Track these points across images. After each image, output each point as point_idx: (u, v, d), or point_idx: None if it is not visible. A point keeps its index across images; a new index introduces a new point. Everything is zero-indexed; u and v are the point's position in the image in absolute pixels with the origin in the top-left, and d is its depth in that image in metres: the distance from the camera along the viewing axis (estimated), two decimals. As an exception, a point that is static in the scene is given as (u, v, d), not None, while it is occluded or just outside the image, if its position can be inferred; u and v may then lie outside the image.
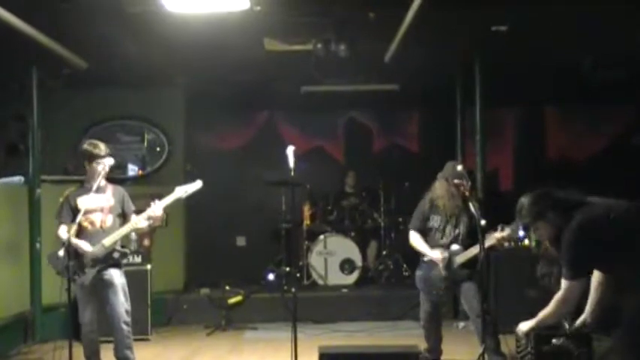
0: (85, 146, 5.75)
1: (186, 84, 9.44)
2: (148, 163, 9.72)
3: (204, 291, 8.90)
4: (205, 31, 6.95)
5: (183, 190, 5.72)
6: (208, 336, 7.92)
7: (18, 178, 7.84)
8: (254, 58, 8.09)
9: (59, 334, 6.89)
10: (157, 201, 5.68)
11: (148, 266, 7.66)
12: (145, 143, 9.70)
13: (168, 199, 5.71)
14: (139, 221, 5.69)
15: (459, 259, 5.90)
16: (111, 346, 5.78)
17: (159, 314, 8.14)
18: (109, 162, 5.73)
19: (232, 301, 8.51)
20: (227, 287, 8.70)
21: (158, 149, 9.73)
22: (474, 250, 5.72)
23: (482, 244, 5.43)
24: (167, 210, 5.79)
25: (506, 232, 5.72)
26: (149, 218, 5.66)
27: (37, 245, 7.72)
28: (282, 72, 8.81)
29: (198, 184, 5.76)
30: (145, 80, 8.95)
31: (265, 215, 9.80)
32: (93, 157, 5.67)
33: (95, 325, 5.75)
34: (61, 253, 5.44)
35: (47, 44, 6.97)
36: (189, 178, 6.00)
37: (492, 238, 5.70)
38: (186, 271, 9.55)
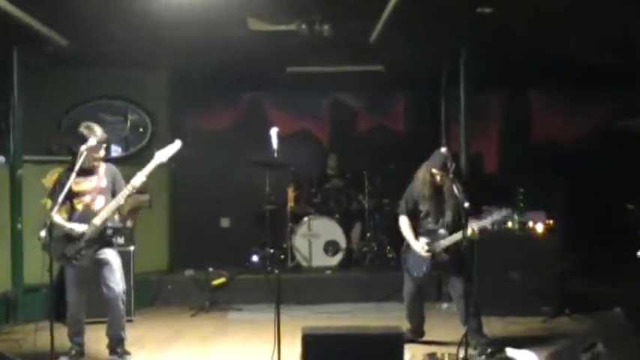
0: (81, 129, 5.68)
1: (171, 64, 9.31)
2: (131, 144, 9.61)
3: (189, 272, 8.89)
4: (189, 11, 6.88)
5: (163, 155, 5.63)
6: (192, 317, 7.92)
7: (0, 158, 7.75)
8: (238, 38, 8.01)
9: (41, 315, 6.84)
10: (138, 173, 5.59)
11: (131, 247, 7.62)
12: (128, 124, 9.60)
13: (150, 166, 5.60)
14: (122, 196, 5.60)
15: (443, 242, 5.93)
16: (96, 326, 5.74)
17: (143, 295, 8.12)
18: (101, 144, 5.70)
19: (216, 282, 8.51)
20: (211, 269, 8.68)
21: (141, 130, 9.61)
22: (458, 235, 5.74)
23: (466, 226, 5.47)
24: (151, 186, 5.63)
25: (484, 222, 5.75)
26: (133, 188, 5.56)
27: (19, 226, 7.69)
28: (267, 52, 8.73)
29: (177, 145, 5.66)
30: (129, 60, 8.81)
31: (249, 197, 9.70)
32: (87, 140, 5.60)
33: (82, 306, 5.74)
34: (43, 233, 5.34)
35: (25, 21, 6.88)
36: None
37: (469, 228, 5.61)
38: (170, 252, 9.52)
